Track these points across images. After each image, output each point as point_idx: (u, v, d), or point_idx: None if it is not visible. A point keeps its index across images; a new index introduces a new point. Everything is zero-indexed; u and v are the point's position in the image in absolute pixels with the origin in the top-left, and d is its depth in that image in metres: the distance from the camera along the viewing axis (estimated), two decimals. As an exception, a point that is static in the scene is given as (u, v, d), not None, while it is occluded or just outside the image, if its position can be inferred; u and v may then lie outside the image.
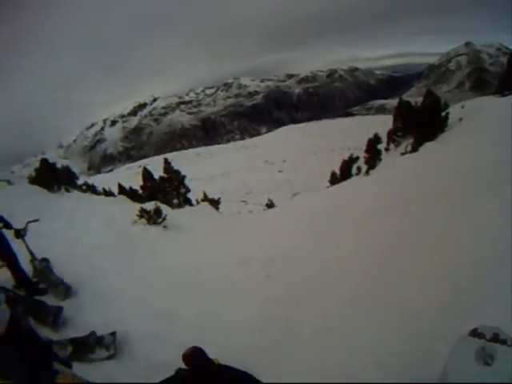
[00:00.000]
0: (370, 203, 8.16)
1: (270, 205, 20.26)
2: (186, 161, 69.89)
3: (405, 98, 22.98)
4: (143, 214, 9.66)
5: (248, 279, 6.12)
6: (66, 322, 5.03)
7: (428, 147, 12.23)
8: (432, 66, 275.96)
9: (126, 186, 21.60)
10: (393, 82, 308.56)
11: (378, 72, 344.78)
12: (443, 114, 14.70)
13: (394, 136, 19.89)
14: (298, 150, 71.94)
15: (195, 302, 5.39)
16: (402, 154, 15.05)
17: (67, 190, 16.99)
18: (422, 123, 14.93)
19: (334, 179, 21.80)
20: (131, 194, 16.92)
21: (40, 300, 5.22)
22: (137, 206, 12.24)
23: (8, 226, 5.62)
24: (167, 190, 16.72)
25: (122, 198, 15.09)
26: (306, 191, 30.51)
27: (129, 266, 7.09)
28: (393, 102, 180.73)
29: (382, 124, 28.69)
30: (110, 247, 7.97)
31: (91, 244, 8.03)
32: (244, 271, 6.40)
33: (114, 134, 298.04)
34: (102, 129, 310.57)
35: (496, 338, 2.54)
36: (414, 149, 14.05)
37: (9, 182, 22.90)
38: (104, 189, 23.21)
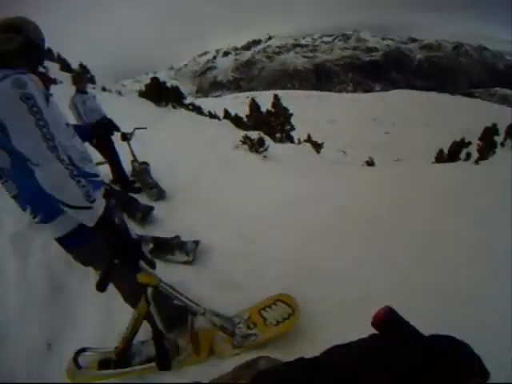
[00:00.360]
0: (472, 193, 7.00)
1: (370, 163, 19.34)
2: (295, 100, 68.20)
3: None
4: (246, 140, 9.43)
5: (341, 227, 5.48)
6: (153, 221, 5.05)
7: None
8: None
9: (232, 112, 21.58)
10: None
11: (508, 57, 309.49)
12: None
13: None
14: (410, 117, 67.60)
15: (280, 237, 4.88)
16: None
17: (174, 107, 17.32)
18: None
19: (441, 157, 20.82)
20: (236, 121, 16.81)
21: (132, 196, 5.31)
22: (240, 133, 12.02)
23: (116, 128, 5.69)
24: (272, 124, 16.48)
25: (227, 122, 14.88)
26: (408, 160, 29.08)
27: (225, 183, 6.90)
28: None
29: (503, 115, 26.11)
30: (209, 164, 7.85)
31: (191, 158, 7.99)
32: (338, 218, 5.76)
33: (225, 64, 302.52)
34: (214, 58, 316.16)
35: None
36: None
37: (120, 94, 23.98)
38: (210, 111, 23.33)
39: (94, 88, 22.89)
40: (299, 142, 16.93)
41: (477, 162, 12.70)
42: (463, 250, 4.55)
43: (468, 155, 18.66)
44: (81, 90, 5.60)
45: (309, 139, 18.21)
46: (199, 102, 40.21)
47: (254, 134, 11.22)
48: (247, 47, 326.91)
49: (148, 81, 19.17)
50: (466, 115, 63.61)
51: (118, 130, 5.72)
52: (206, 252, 4.34)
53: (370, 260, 4.19)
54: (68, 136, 1.99)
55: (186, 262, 4.10)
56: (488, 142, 17.41)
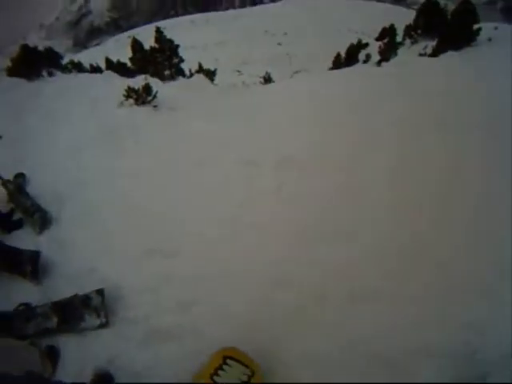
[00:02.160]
0: (376, 97, 7.06)
1: (268, 79, 18.61)
2: (180, 29, 65.31)
3: None
4: (130, 93, 8.30)
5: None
6: (46, 270, 4.07)
7: (450, 57, 10.70)
8: None
9: (114, 58, 20.12)
10: None
11: None
12: (475, 27, 12.92)
13: (412, 32, 18.36)
14: (303, 25, 65.30)
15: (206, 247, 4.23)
16: (421, 54, 13.73)
17: (50, 74, 15.63)
18: (450, 29, 13.28)
19: (338, 62, 20.25)
20: (119, 68, 15.53)
21: (12, 247, 4.20)
22: (125, 82, 10.92)
23: None
24: (158, 61, 15.22)
25: (110, 73, 13.54)
26: (306, 69, 28.95)
27: (112, 169, 5.82)
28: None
29: (400, 16, 26.61)
30: (92, 143, 6.68)
31: (72, 143, 6.75)
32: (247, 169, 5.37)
33: (99, 5, 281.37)
34: (86, 1, 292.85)
35: None
36: (435, 53, 12.67)
37: (-13, 76, 21.47)
38: (91, 65, 21.64)
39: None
40: (191, 74, 15.82)
41: (379, 63, 12.57)
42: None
43: (367, 56, 18.67)
44: None
45: (200, 69, 17.17)
46: (79, 56, 37.02)
47: (140, 81, 10.21)
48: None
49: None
50: (360, 17, 63.14)
51: None
52: (116, 299, 3.63)
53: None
54: None
55: (100, 326, 3.42)
56: (389, 44, 17.39)
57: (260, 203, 4.65)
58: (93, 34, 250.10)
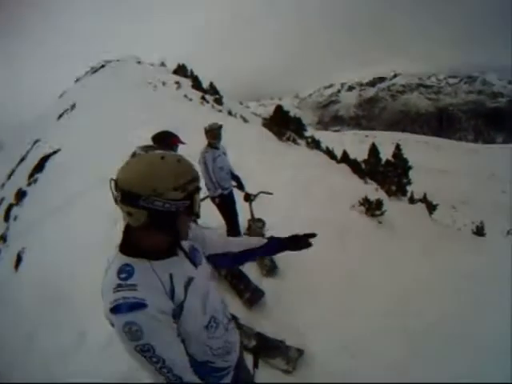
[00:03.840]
0: None
1: (480, 230, 16.98)
2: (413, 145, 66.18)
3: None
4: (365, 202, 8.87)
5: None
6: (259, 306, 4.76)
7: None
8: None
9: (349, 150, 21.20)
10: None
11: None
12: None
13: None
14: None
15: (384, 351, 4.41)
16: None
17: (294, 141, 17.32)
18: None
19: None
20: (353, 166, 16.34)
21: (244, 273, 5.10)
22: (357, 182, 11.50)
23: (241, 187, 5.78)
24: (389, 175, 15.65)
25: (344, 167, 14.55)
26: None
27: (338, 262, 6.30)
28: None
29: None
30: (324, 228, 7.02)
31: (306, 215, 7.52)
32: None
33: (348, 99, 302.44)
34: (339, 91, 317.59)
35: None
36: None
37: (244, 120, 24.68)
38: (327, 148, 23.20)
39: (220, 111, 23.87)
40: (412, 199, 16.13)
41: None
42: None
43: None
44: (213, 145, 5.38)
45: (424, 199, 17.15)
46: (319, 134, 40.25)
47: (372, 190, 10.71)
48: (372, 83, 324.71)
49: (272, 106, 19.51)
50: None
51: (242, 189, 5.73)
52: (307, 363, 3.98)
53: None
54: (205, 340, 1.76)
55: (285, 371, 3.83)
56: None
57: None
58: (335, 121, 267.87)
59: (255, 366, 2.39)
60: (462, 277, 6.54)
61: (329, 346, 4.22)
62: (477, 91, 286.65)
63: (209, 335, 1.75)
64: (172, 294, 1.52)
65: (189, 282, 1.61)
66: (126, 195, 1.45)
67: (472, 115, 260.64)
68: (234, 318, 4.02)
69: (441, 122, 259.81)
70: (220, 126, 5.38)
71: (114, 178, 1.48)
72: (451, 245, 8.88)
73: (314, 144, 20.88)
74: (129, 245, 1.54)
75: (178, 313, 1.53)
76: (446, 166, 62.09)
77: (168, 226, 1.55)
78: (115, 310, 1.37)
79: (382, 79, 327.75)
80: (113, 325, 1.39)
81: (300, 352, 3.98)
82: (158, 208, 1.46)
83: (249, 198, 5.80)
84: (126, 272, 1.45)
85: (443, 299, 5.64)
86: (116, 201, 1.50)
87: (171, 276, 1.55)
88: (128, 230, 1.56)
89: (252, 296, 4.70)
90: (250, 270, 5.28)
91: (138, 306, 1.37)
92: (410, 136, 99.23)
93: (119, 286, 1.41)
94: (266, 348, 3.94)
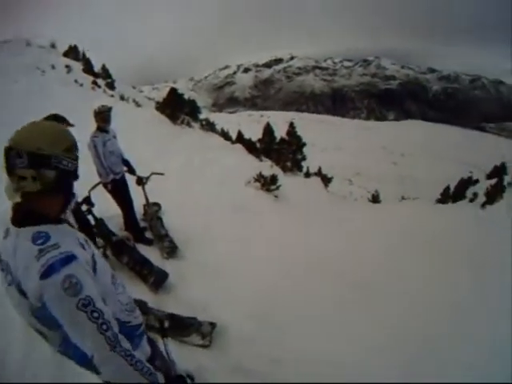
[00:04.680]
0: (479, 244, 7.29)
1: (376, 197, 19.09)
2: (307, 124, 68.44)
3: None
4: (260, 178, 9.13)
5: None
6: (166, 288, 4.79)
7: None
8: None
9: (244, 130, 21.40)
10: None
11: None
12: None
13: None
14: (419, 148, 66.83)
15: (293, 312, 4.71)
16: None
17: (188, 124, 17.12)
18: None
19: (446, 194, 20.71)
20: (248, 145, 16.52)
21: (146, 258, 5.03)
22: (252, 161, 11.72)
23: (132, 171, 5.61)
24: (283, 152, 16.12)
25: (239, 147, 14.81)
26: (414, 193, 28.91)
27: (237, 236, 6.54)
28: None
29: None
30: (220, 206, 7.60)
31: (202, 197, 7.83)
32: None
33: (244, 80, 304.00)
34: (235, 73, 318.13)
35: None
36: None
37: (137, 104, 23.90)
38: (223, 129, 23.22)
39: (112, 96, 22.87)
40: (308, 174, 16.77)
41: (483, 205, 12.45)
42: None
43: (475, 195, 18.54)
44: (102, 129, 5.11)
45: (319, 173, 17.96)
46: (214, 116, 40.12)
47: (267, 167, 10.98)
48: (268, 65, 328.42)
49: (166, 89, 19.08)
50: (475, 150, 63.34)
51: (134, 173, 5.58)
52: (221, 334, 4.13)
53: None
54: (115, 295, 1.82)
55: (201, 346, 3.95)
56: (496, 185, 17.17)
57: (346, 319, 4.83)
58: (231, 102, 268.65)
59: (163, 336, 2.55)
60: (360, 242, 7.20)
61: (238, 315, 4.39)
62: (371, 74, 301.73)
63: (116, 291, 1.81)
64: (84, 248, 1.54)
65: (86, 240, 1.63)
66: (35, 157, 1.41)
67: (365, 95, 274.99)
68: (142, 303, 3.88)
69: (335, 102, 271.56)
70: (110, 108, 5.15)
71: (10, 145, 1.42)
72: (348, 213, 9.57)
73: (209, 126, 20.72)
74: (29, 215, 1.49)
75: (93, 267, 1.55)
76: (340, 143, 65.36)
77: (69, 186, 1.61)
78: (48, 271, 1.34)
79: (278, 61, 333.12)
80: (43, 297, 1.36)
81: (213, 325, 4.10)
82: (66, 167, 1.50)
83: (141, 181, 5.68)
84: (41, 238, 1.41)
85: (340, 264, 6.15)
86: (12, 169, 1.42)
87: (77, 234, 1.59)
88: (25, 201, 1.48)
89: (156, 279, 4.71)
90: (151, 253, 5.28)
91: (70, 258, 1.38)
92: (305, 115, 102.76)
93: (41, 250, 1.37)
94: (180, 327, 4.02)
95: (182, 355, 3.41)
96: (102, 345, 1.44)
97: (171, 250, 5.57)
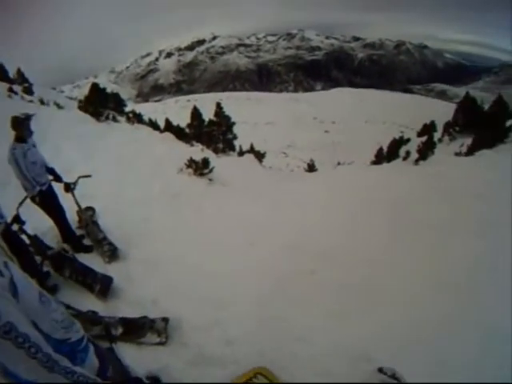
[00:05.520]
0: (411, 198, 7.89)
1: (312, 166, 19.37)
2: (235, 103, 68.65)
3: (470, 89, 22.30)
4: (191, 163, 9.18)
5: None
6: (113, 293, 4.72)
7: (485, 156, 11.45)
8: (504, 65, 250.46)
9: (172, 117, 21.19)
10: (460, 70, 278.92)
11: (447, 55, 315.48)
12: (508, 124, 13.92)
13: (451, 129, 19.21)
14: (350, 115, 68.79)
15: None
16: (457, 153, 14.15)
17: (114, 119, 16.79)
18: (485, 127, 14.26)
19: (380, 155, 21.51)
20: (178, 132, 16.47)
21: (87, 266, 4.92)
22: (183, 148, 11.76)
23: (58, 179, 5.41)
24: (214, 134, 16.41)
25: (169, 136, 14.70)
26: (349, 158, 29.89)
27: (175, 225, 6.67)
28: (455, 90, 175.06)
29: (440, 110, 27.67)
30: (154, 197, 7.70)
31: (136, 191, 7.78)
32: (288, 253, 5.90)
33: (167, 66, 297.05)
34: (157, 59, 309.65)
35: (393, 376, 3.41)
36: (470, 151, 13.31)
37: (58, 106, 22.91)
38: (150, 119, 22.80)
39: (31, 101, 21.77)
40: (241, 152, 16.91)
41: (416, 162, 13.15)
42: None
43: (407, 153, 19.36)
44: (20, 140, 4.80)
45: (252, 149, 18.18)
46: (140, 107, 39.12)
47: (197, 151, 11.06)
48: (191, 47, 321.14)
49: (88, 86, 18.54)
50: (404, 111, 65.66)
51: (60, 180, 5.40)
52: (176, 327, 4.17)
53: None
54: (47, 314, 1.77)
55: (159, 343, 3.97)
56: (427, 142, 18.00)
57: (295, 284, 5.10)
58: (156, 90, 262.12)
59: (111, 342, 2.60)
60: (302, 211, 7.52)
61: (187, 304, 4.48)
62: (295, 47, 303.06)
63: (47, 310, 1.77)
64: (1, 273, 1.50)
65: (6, 263, 1.59)
66: None
67: (291, 68, 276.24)
68: (93, 314, 4.01)
69: (261, 78, 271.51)
70: (28, 116, 4.87)
71: None
72: (286, 184, 9.88)
73: (136, 118, 20.33)
74: None
75: (13, 290, 1.51)
76: (270, 118, 65.91)
77: None
78: None
79: (201, 42, 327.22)
80: None
81: (166, 320, 4.11)
82: None
83: (69, 187, 5.50)
84: None
85: (288, 235, 6.41)
86: None
87: None
88: None
89: (102, 286, 4.63)
90: (93, 260, 5.23)
91: None
92: (232, 94, 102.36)
93: None
94: (134, 329, 4.01)
95: (143, 357, 3.58)
96: (38, 369, 1.42)
97: (112, 253, 5.47)
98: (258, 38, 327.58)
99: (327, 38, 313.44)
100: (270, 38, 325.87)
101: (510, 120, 14.33)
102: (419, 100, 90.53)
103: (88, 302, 4.32)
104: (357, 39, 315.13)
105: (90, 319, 3.91)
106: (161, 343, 3.96)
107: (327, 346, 3.95)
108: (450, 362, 3.71)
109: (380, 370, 3.47)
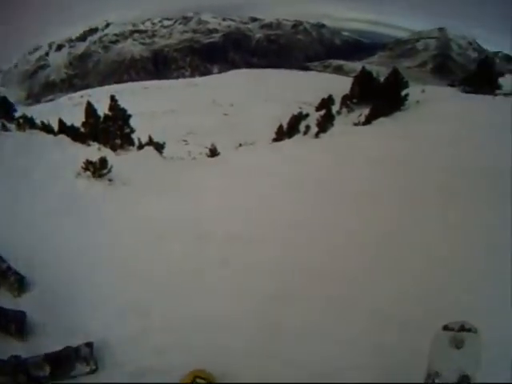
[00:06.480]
0: (313, 170, 8.43)
1: (213, 151, 19.37)
2: (132, 94, 66.74)
3: (365, 64, 23.74)
4: (88, 166, 8.97)
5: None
6: (31, 328, 4.47)
7: (382, 123, 12.53)
8: (399, 41, 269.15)
9: (66, 117, 20.44)
10: (357, 47, 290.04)
11: (345, 33, 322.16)
12: (403, 93, 15.31)
13: (348, 101, 20.28)
14: (248, 96, 69.22)
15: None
16: (355, 124, 15.15)
17: (4, 127, 15.79)
18: (381, 97, 15.52)
19: (281, 132, 22.40)
20: (72, 133, 15.93)
21: None
22: (78, 148, 11.47)
23: None
24: (110, 130, 16.13)
25: (63, 138, 13.97)
26: (250, 138, 30.65)
27: (79, 237, 6.52)
28: (351, 65, 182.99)
29: (338, 85, 29.03)
30: (53, 210, 7.42)
31: (34, 205, 7.51)
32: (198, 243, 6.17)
33: (58, 60, 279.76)
34: (47, 54, 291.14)
35: (463, 328, 3.09)
36: (368, 121, 14.38)
37: None
38: (43, 122, 21.70)
39: None
40: (140, 145, 16.67)
41: (317, 135, 13.88)
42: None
43: (307, 128, 20.13)
44: None
45: (150, 141, 18.04)
46: (31, 110, 36.90)
47: (94, 151, 10.88)
48: (83, 37, 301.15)
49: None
50: (303, 87, 67.33)
51: None
52: (103, 349, 4.12)
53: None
54: None
55: (91, 372, 3.86)
56: (326, 116, 18.86)
57: (208, 273, 5.35)
58: (47, 88, 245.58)
59: None
60: (206, 199, 7.81)
61: (112, 318, 4.56)
62: (192, 30, 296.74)
63: None
64: None
65: None
66: None
67: (187, 53, 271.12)
68: (16, 358, 3.81)
69: (157, 65, 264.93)
70: None
71: None
72: (188, 174, 10.06)
73: (27, 123, 19.27)
74: None
75: None
76: (169, 105, 64.73)
77: None
78: None
79: (93, 31, 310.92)
80: None
81: (90, 345, 4.01)
82: None
83: None
84: None
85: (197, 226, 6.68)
86: None
87: None
88: None
89: (17, 325, 4.29)
90: (1, 297, 4.90)
91: None
92: (128, 85, 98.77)
93: None
94: (61, 364, 3.84)
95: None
96: None
97: (19, 285, 5.07)
98: (153, 23, 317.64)
99: (224, 19, 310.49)
100: (166, 23, 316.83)
101: (405, 90, 15.52)
102: (316, 76, 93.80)
103: (9, 348, 4.06)
104: (254, 20, 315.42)
105: (13, 369, 3.71)
106: (92, 371, 3.86)
107: (257, 339, 4.24)
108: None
109: (445, 328, 3.14)
